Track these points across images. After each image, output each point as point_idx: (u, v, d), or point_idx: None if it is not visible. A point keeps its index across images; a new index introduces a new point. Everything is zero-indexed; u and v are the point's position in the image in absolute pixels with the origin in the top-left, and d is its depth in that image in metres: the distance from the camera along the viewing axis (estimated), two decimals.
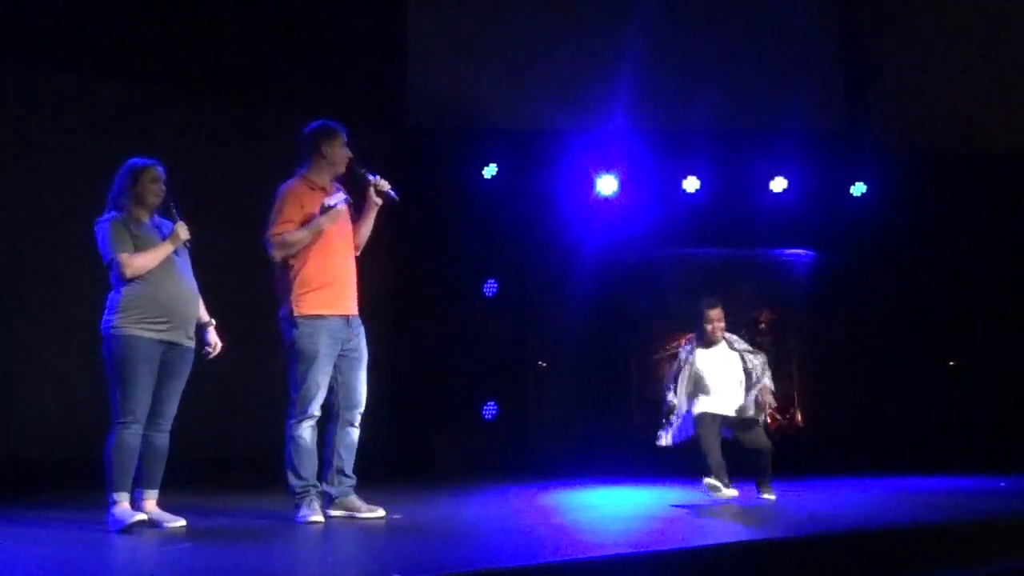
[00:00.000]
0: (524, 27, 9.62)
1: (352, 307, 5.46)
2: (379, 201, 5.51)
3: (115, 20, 7.83)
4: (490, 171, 9.41)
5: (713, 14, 9.83)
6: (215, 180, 8.00)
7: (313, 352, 5.31)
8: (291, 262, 5.33)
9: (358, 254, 5.58)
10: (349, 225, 5.53)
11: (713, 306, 6.55)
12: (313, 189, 5.40)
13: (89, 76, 7.86)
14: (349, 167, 5.47)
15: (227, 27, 8.28)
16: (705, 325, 6.53)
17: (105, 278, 5.20)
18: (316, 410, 5.38)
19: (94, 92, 7.90)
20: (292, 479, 5.38)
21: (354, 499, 5.53)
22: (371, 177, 5.47)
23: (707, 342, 6.55)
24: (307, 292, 5.31)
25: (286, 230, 5.29)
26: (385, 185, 5.47)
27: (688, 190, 9.63)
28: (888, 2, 10.17)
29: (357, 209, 5.58)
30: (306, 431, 5.37)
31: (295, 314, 5.31)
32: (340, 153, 5.42)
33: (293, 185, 5.41)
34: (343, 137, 5.45)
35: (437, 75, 9.51)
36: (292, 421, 5.37)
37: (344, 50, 8.80)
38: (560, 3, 9.81)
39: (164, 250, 5.14)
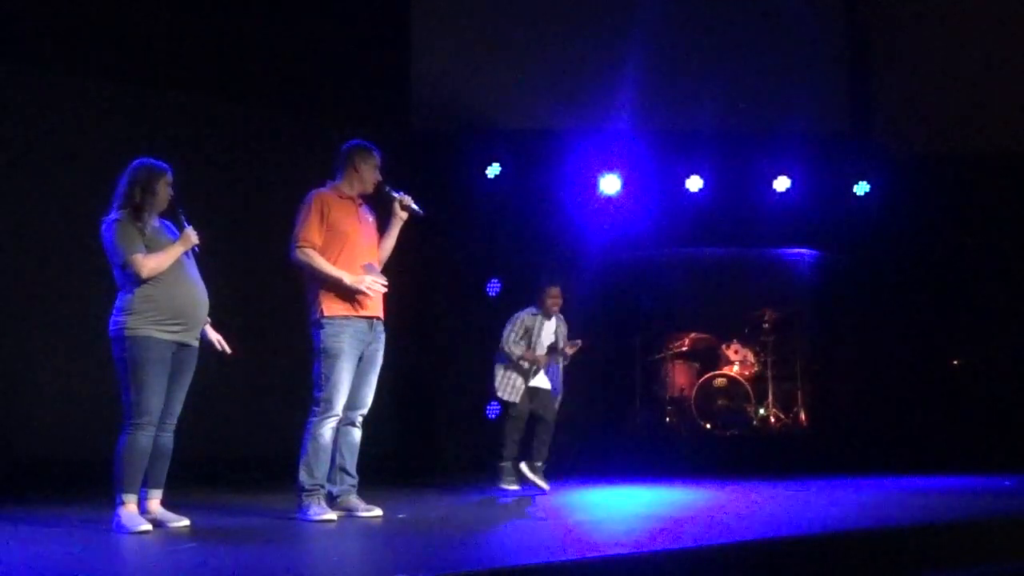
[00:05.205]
0: (527, 27, 9.61)
1: (377, 310, 5.65)
2: (404, 216, 5.79)
3: (116, 20, 7.83)
4: (493, 171, 9.41)
5: (717, 14, 9.83)
6: (216, 181, 8.00)
7: (337, 352, 5.48)
8: None
9: (380, 268, 5.79)
10: (375, 232, 5.80)
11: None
12: (342, 198, 5.68)
13: (91, 77, 7.86)
14: (377, 188, 5.77)
15: (230, 28, 8.28)
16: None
17: (108, 277, 5.21)
18: (338, 409, 5.52)
19: (96, 93, 7.90)
20: (304, 476, 5.45)
21: (354, 498, 5.63)
22: (396, 194, 5.80)
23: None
24: (334, 294, 5.50)
25: (310, 237, 5.50)
26: (409, 200, 5.79)
27: (691, 190, 9.62)
28: (891, 3, 10.16)
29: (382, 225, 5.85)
30: (327, 430, 5.49)
31: (322, 316, 5.50)
32: (371, 172, 5.73)
33: (322, 192, 5.66)
34: (376, 158, 5.77)
35: (440, 75, 9.52)
36: (314, 419, 5.50)
37: (347, 50, 8.80)
38: (563, 3, 9.81)
39: (176, 251, 5.16)
